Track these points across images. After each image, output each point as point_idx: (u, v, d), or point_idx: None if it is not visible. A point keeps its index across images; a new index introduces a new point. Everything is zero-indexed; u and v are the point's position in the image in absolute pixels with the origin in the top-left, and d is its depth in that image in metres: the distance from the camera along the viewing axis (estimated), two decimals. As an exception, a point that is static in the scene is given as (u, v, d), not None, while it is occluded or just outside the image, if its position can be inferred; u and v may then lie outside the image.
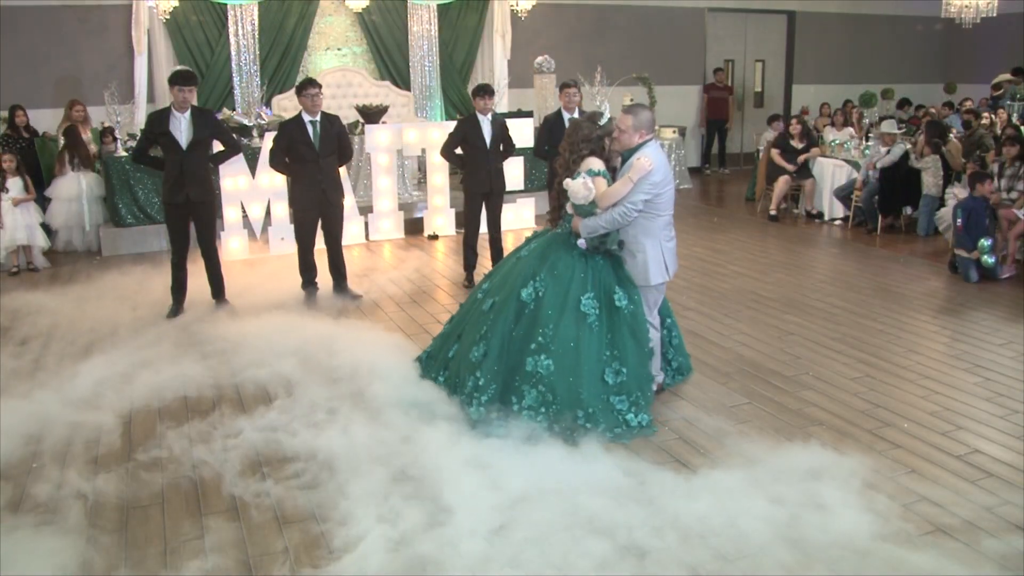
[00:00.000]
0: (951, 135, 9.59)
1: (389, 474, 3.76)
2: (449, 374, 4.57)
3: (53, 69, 10.05)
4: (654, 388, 4.59)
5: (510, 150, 7.12)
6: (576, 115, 6.94)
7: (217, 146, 6.57)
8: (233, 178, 8.07)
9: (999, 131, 9.80)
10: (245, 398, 4.73)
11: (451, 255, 8.22)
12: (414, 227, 9.16)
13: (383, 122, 9.58)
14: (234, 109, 10.33)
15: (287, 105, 10.39)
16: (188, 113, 6.03)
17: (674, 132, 12.41)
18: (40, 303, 6.58)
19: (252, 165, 8.18)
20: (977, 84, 14.20)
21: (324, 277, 6.75)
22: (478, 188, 6.91)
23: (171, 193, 6.05)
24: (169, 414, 4.55)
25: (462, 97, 11.82)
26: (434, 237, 8.99)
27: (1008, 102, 11.40)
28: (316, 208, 6.46)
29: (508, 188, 7.43)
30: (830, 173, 9.91)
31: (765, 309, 6.36)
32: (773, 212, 10.00)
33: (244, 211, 8.24)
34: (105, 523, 3.48)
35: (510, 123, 7.37)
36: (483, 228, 7.07)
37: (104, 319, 6.15)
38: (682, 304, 6.33)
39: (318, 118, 6.37)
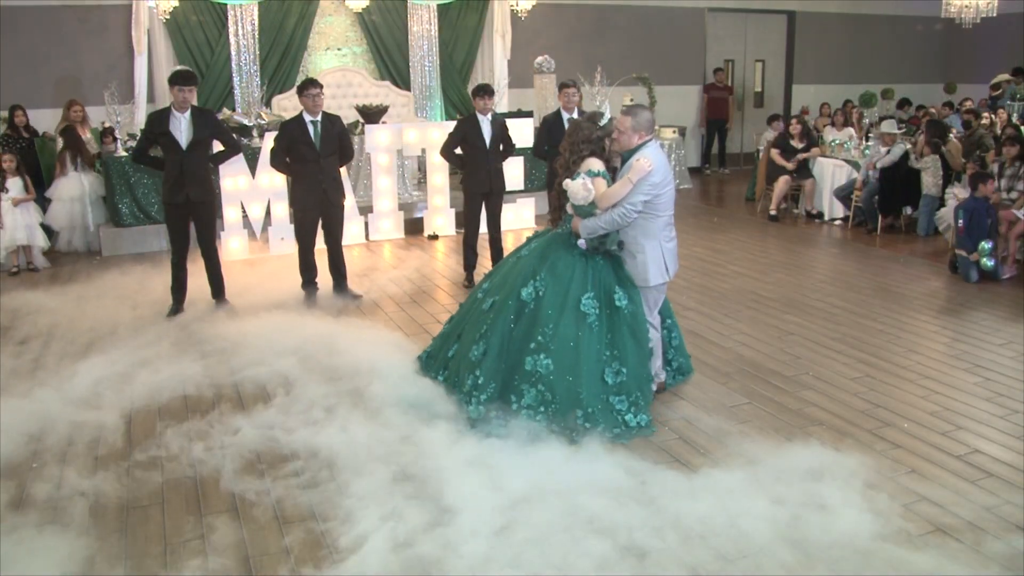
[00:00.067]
0: (951, 135, 9.59)
1: (389, 474, 3.76)
2: (449, 373, 4.57)
3: (53, 69, 10.05)
4: (655, 387, 4.60)
5: (510, 150, 7.12)
6: (575, 115, 6.94)
7: (217, 146, 6.57)
8: (233, 178, 8.07)
9: (999, 131, 9.80)
10: (245, 397, 4.73)
11: (451, 255, 8.22)
12: (414, 227, 9.16)
13: (383, 122, 9.58)
14: (234, 109, 10.34)
15: (287, 105, 10.39)
16: (188, 113, 6.03)
17: (674, 132, 12.41)
18: (40, 303, 6.58)
19: (252, 165, 8.18)
20: (977, 84, 14.20)
21: (324, 277, 6.75)
22: (478, 188, 6.91)
23: (171, 193, 6.05)
24: (169, 413, 4.55)
25: (462, 97, 11.82)
26: (434, 237, 8.99)
27: (1008, 102, 11.41)
28: (317, 208, 6.46)
29: (508, 188, 7.43)
30: (830, 173, 9.91)
31: (765, 309, 6.36)
32: (773, 212, 10.00)
33: (244, 211, 8.24)
34: (105, 523, 3.48)
35: (510, 123, 7.37)
36: (483, 228, 7.07)
37: (104, 319, 6.15)
38: (682, 304, 6.33)
39: (319, 118, 6.37)
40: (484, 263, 7.25)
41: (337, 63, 11.46)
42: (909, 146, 9.13)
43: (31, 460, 4.02)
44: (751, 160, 12.91)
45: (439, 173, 8.89)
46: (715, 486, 3.61)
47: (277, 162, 6.55)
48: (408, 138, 8.84)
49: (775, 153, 10.13)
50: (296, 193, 6.60)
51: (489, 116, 6.87)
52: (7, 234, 7.69)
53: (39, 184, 8.43)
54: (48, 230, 8.34)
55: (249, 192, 8.20)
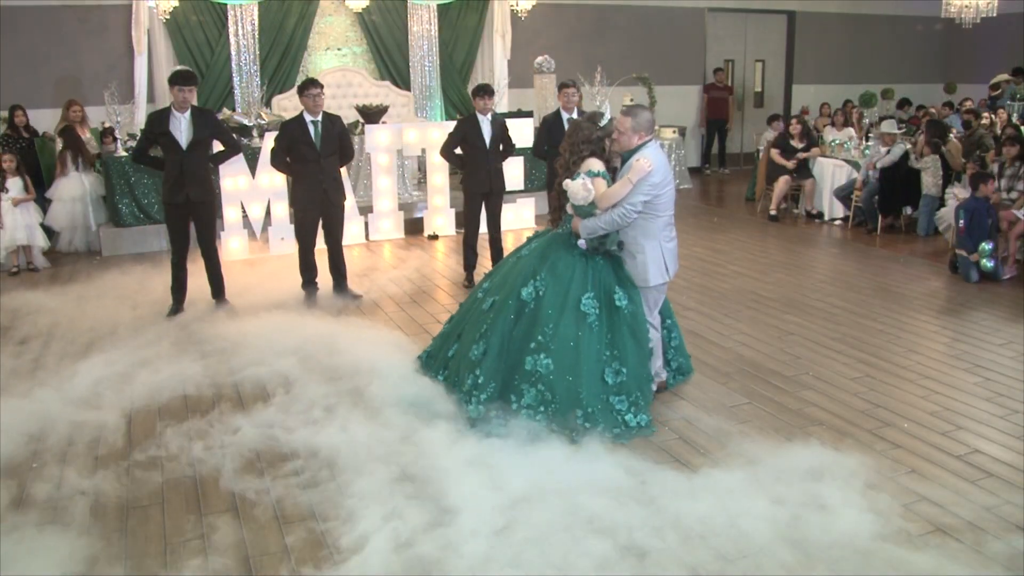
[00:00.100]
0: (951, 135, 9.59)
1: (390, 473, 3.76)
2: (449, 373, 4.57)
3: (53, 69, 10.05)
4: (656, 387, 4.60)
5: (510, 150, 7.12)
6: (575, 115, 6.94)
7: (217, 146, 6.58)
8: (233, 178, 8.08)
9: (999, 131, 9.80)
10: (245, 397, 4.73)
11: (451, 255, 8.22)
12: (414, 227, 9.16)
13: (383, 122, 9.58)
14: (234, 109, 10.33)
15: (287, 105, 10.39)
16: (188, 113, 6.03)
17: (674, 132, 12.41)
18: (40, 303, 6.58)
19: (252, 165, 8.18)
20: (977, 84, 14.21)
21: (324, 277, 6.75)
22: (478, 188, 6.91)
23: (171, 193, 6.05)
24: (169, 413, 4.55)
25: (462, 97, 11.82)
26: (434, 237, 9.00)
27: (1008, 102, 11.41)
28: (317, 208, 6.47)
29: (508, 188, 7.43)
30: (830, 173, 9.91)
31: (765, 309, 6.36)
32: (773, 212, 10.00)
33: (244, 211, 8.24)
34: (105, 523, 3.48)
35: (510, 123, 7.37)
36: (483, 228, 7.07)
37: (104, 318, 6.16)
38: (682, 304, 6.33)
39: (320, 118, 6.37)
40: (484, 263, 7.25)
41: (337, 63, 11.46)
42: (909, 146, 9.13)
43: (31, 460, 4.02)
44: (751, 160, 12.91)
45: (439, 173, 8.89)
46: (715, 486, 3.61)
47: (278, 162, 6.55)
48: (408, 138, 8.84)
49: (775, 153, 10.13)
50: (296, 193, 6.60)
51: (489, 116, 6.87)
52: (7, 234, 7.69)
53: (39, 184, 8.42)
54: (49, 231, 8.35)
55: (249, 192, 8.20)
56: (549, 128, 7.03)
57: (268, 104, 10.57)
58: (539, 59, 10.91)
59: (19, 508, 3.59)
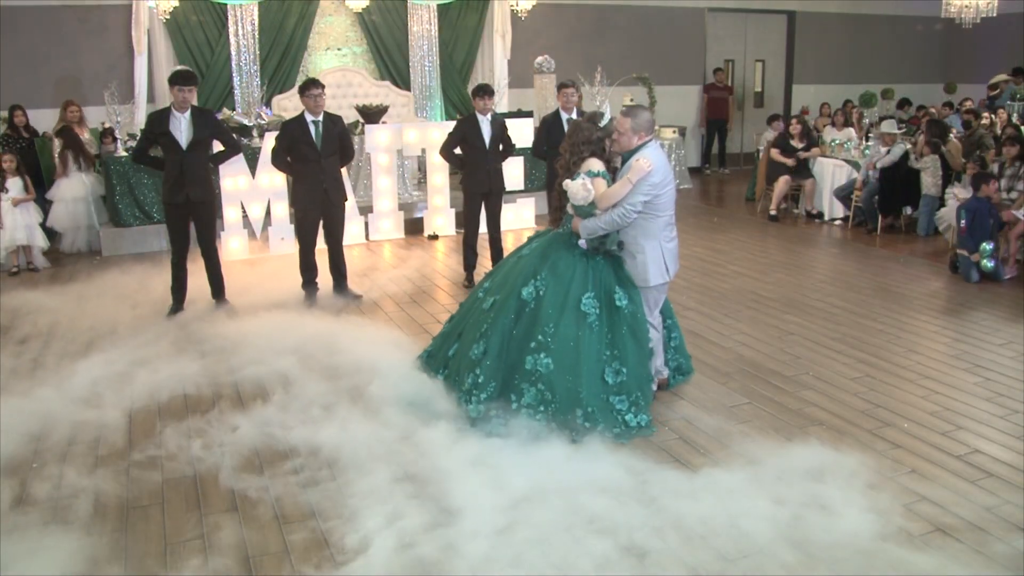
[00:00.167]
0: (951, 135, 9.59)
1: (390, 473, 3.76)
2: (449, 372, 4.57)
3: (53, 69, 10.05)
4: (657, 384, 4.61)
5: (510, 150, 7.12)
6: (574, 115, 6.94)
7: (217, 146, 6.58)
8: (233, 178, 8.08)
9: (999, 131, 9.80)
10: (244, 396, 4.73)
11: (451, 255, 8.22)
12: (414, 227, 9.16)
13: (383, 122, 9.58)
14: (234, 109, 10.33)
15: (287, 105, 10.40)
16: (188, 113, 6.03)
17: (674, 132, 12.41)
18: (40, 302, 6.58)
19: (252, 165, 8.18)
20: (977, 84, 14.21)
21: (324, 277, 6.75)
22: (477, 188, 6.91)
23: (171, 193, 6.05)
24: (169, 412, 4.55)
25: (462, 97, 11.82)
26: (434, 237, 9.00)
27: (1008, 102, 11.41)
28: (318, 208, 6.47)
29: (508, 188, 7.43)
30: (830, 173, 9.91)
31: (765, 309, 6.36)
32: (773, 212, 10.00)
33: (244, 211, 8.24)
34: (106, 522, 3.48)
35: (510, 123, 7.37)
36: (483, 228, 7.07)
37: (104, 318, 6.16)
38: (682, 304, 6.33)
39: (320, 118, 6.37)
40: (484, 263, 7.25)
41: (337, 63, 11.46)
42: (909, 146, 9.13)
43: (31, 460, 4.02)
44: (751, 160, 12.91)
45: (439, 173, 8.89)
46: (716, 486, 3.61)
47: (278, 162, 6.55)
48: (408, 138, 8.84)
49: (775, 152, 10.13)
50: (297, 193, 6.60)
51: (489, 116, 6.87)
52: (7, 234, 7.69)
53: (39, 184, 8.42)
54: (52, 231, 8.36)
55: (249, 192, 8.20)
56: (548, 128, 7.03)
57: (268, 104, 10.57)
58: (539, 59, 10.91)
59: (20, 508, 3.58)
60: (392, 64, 11.64)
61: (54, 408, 4.54)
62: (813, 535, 3.24)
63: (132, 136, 8.65)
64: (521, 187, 9.36)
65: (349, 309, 6.39)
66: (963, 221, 7.16)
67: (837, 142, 10.44)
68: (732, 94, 14.03)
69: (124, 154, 8.49)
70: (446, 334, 4.84)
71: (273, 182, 8.21)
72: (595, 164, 4.35)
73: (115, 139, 8.74)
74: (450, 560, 3.11)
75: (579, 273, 4.29)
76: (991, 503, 3.53)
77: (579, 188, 4.24)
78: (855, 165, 9.60)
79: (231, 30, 10.59)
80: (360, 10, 11.22)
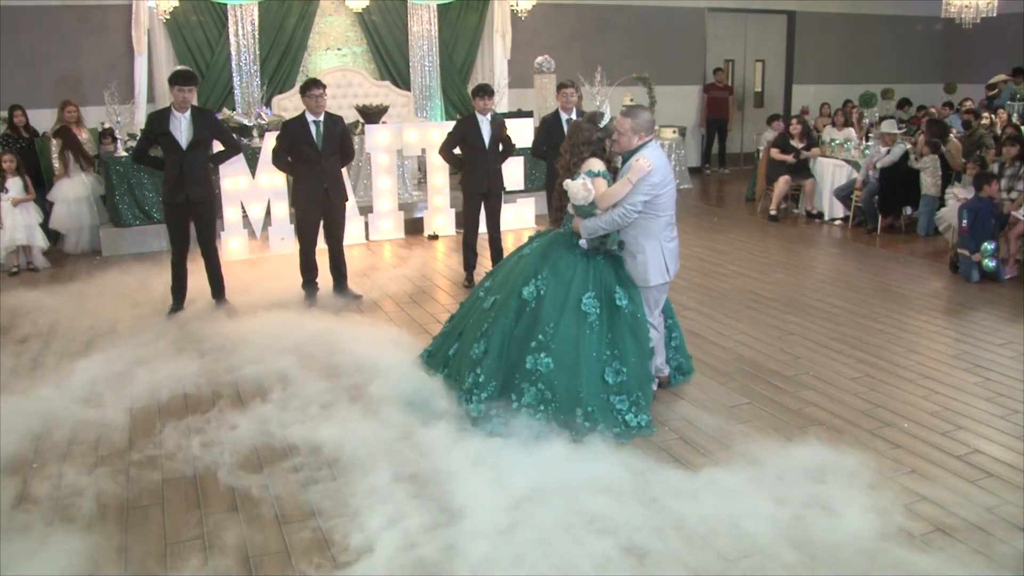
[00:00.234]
0: (951, 135, 9.59)
1: (391, 472, 3.76)
2: (450, 371, 4.58)
3: (53, 69, 10.05)
4: (658, 382, 4.63)
5: (510, 150, 7.11)
6: (574, 116, 6.94)
7: (217, 146, 6.58)
8: (233, 178, 8.07)
9: (999, 131, 9.80)
10: (244, 395, 4.73)
11: (451, 255, 8.22)
12: (414, 227, 9.16)
13: (383, 122, 9.58)
14: (234, 109, 10.33)
15: (287, 105, 10.40)
16: (188, 113, 6.03)
17: (674, 132, 12.40)
18: (40, 302, 6.58)
19: (252, 165, 8.18)
20: (977, 84, 14.20)
21: (324, 277, 6.75)
22: (477, 188, 6.91)
23: (171, 193, 6.05)
24: (169, 412, 4.55)
25: (462, 97, 11.81)
26: (434, 237, 9.00)
27: (1008, 102, 11.41)
28: (319, 208, 6.47)
29: (508, 188, 7.42)
30: (830, 173, 9.91)
31: (765, 309, 6.36)
32: (773, 212, 10.00)
33: (244, 211, 8.24)
34: (106, 522, 3.48)
35: (510, 123, 7.37)
36: (482, 228, 7.07)
37: (104, 318, 6.16)
38: (682, 304, 6.33)
39: (321, 118, 6.37)
40: (484, 263, 7.25)
41: (337, 63, 11.46)
42: (909, 146, 9.13)
43: (32, 459, 4.02)
44: (751, 160, 12.91)
45: (439, 173, 8.89)
46: (716, 486, 3.61)
47: (279, 161, 6.55)
48: (408, 138, 8.84)
49: (775, 152, 10.12)
50: (298, 193, 6.60)
51: (489, 116, 6.87)
52: (7, 234, 7.69)
53: (39, 184, 8.42)
54: (55, 233, 8.36)
55: (249, 192, 8.20)
56: (548, 128, 7.03)
57: (268, 104, 10.57)
58: (539, 59, 10.91)
59: (20, 508, 3.58)
60: (392, 64, 11.64)
61: (54, 407, 4.54)
62: (814, 535, 3.24)
63: (132, 136, 8.65)
64: (521, 187, 9.36)
65: (349, 309, 6.40)
66: (965, 221, 7.15)
67: (837, 142, 10.44)
68: (732, 94, 14.03)
69: (124, 154, 8.49)
70: (446, 333, 4.85)
71: (273, 182, 8.21)
72: (596, 164, 4.35)
73: (115, 139, 8.74)
74: (451, 560, 3.11)
75: (580, 273, 4.29)
76: (991, 503, 3.53)
77: (579, 188, 4.25)
78: (855, 165, 9.60)
79: (231, 30, 10.59)
80: (360, 10, 11.21)
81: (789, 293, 6.80)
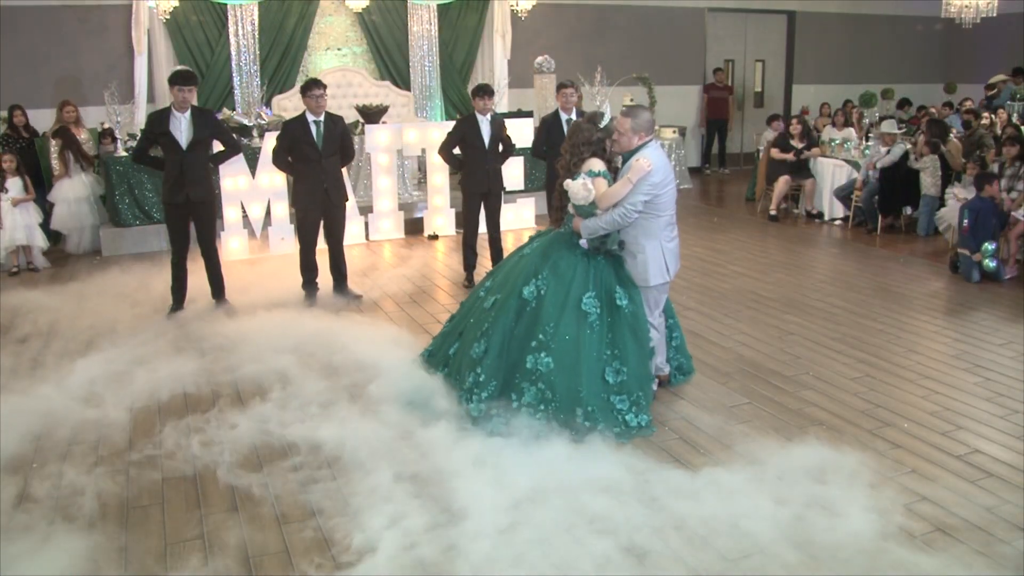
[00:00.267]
0: (951, 135, 9.59)
1: (391, 472, 3.76)
2: (450, 371, 4.58)
3: (53, 69, 10.05)
4: (658, 381, 4.63)
5: (510, 150, 7.11)
6: (574, 116, 6.94)
7: (217, 146, 6.57)
8: (233, 178, 8.07)
9: (999, 131, 9.80)
10: (244, 395, 4.73)
11: (451, 255, 8.22)
12: (414, 227, 9.16)
13: (383, 122, 9.58)
14: (234, 109, 10.33)
15: (287, 105, 10.40)
16: (188, 113, 6.02)
17: (674, 132, 12.40)
18: (40, 302, 6.58)
19: (252, 165, 8.18)
20: (977, 84, 14.19)
21: (324, 277, 6.75)
22: (476, 188, 6.91)
23: (171, 193, 6.05)
24: (169, 411, 4.55)
25: (462, 97, 11.81)
26: (434, 237, 8.99)
27: (1008, 102, 11.41)
28: (319, 208, 6.47)
29: (508, 188, 7.42)
30: (830, 173, 9.91)
31: (765, 309, 6.36)
32: (773, 212, 10.00)
33: (244, 211, 8.24)
34: (106, 522, 3.48)
35: (510, 123, 7.36)
36: (482, 228, 7.07)
37: (104, 317, 6.16)
38: (682, 304, 6.33)
39: (322, 118, 6.37)
40: (484, 263, 7.25)
41: (337, 63, 11.46)
42: (909, 146, 9.13)
43: (32, 459, 4.02)
44: (751, 160, 12.91)
45: (439, 173, 8.89)
46: (716, 486, 3.61)
47: (279, 161, 6.55)
48: (408, 138, 8.84)
49: (775, 151, 10.12)
50: (298, 193, 6.60)
51: (488, 116, 6.87)
52: (7, 234, 7.69)
53: (39, 184, 8.41)
54: (56, 233, 8.35)
55: (249, 192, 8.20)
56: (548, 128, 7.03)
57: (268, 104, 10.57)
58: (539, 59, 10.91)
59: (20, 508, 3.58)
60: (392, 64, 11.63)
61: (54, 407, 4.54)
62: (815, 535, 3.24)
63: (132, 136, 8.64)
64: (521, 187, 9.36)
65: (349, 309, 6.40)
66: (966, 220, 7.15)
67: (837, 142, 10.44)
68: (732, 94, 14.03)
69: (124, 154, 8.49)
70: (447, 333, 4.85)
71: (273, 182, 8.21)
72: (596, 164, 4.36)
73: (114, 139, 8.73)
74: (451, 561, 3.11)
75: (580, 273, 4.29)
76: (991, 503, 3.53)
77: (580, 188, 4.25)
78: (855, 165, 9.60)
79: (231, 30, 10.58)
80: (360, 10, 11.21)
81: (789, 293, 6.79)
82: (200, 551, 3.26)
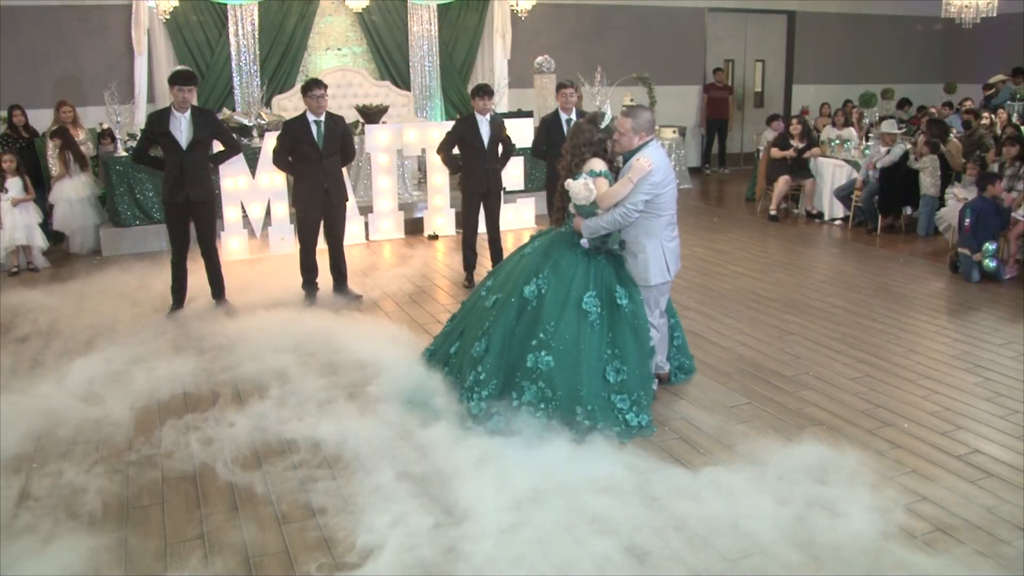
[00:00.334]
0: (951, 135, 9.59)
1: (392, 471, 3.76)
2: (451, 369, 4.58)
3: (53, 69, 10.04)
4: (659, 379, 4.63)
5: (510, 151, 7.10)
6: (573, 116, 6.94)
7: (217, 146, 6.57)
8: (233, 178, 8.07)
9: (999, 131, 9.80)
10: (244, 394, 4.72)
11: (451, 255, 8.22)
12: (414, 227, 9.16)
13: (383, 122, 9.58)
14: (234, 109, 10.33)
15: (287, 105, 10.40)
16: (188, 113, 6.02)
17: (674, 132, 12.40)
18: (40, 301, 6.58)
19: (252, 165, 8.18)
20: (977, 84, 14.18)
21: (324, 277, 6.75)
22: (475, 188, 6.91)
23: (171, 193, 6.05)
24: (169, 411, 4.55)
25: (462, 97, 11.81)
26: (434, 237, 8.99)
27: (1008, 102, 11.40)
28: (319, 208, 6.47)
29: (508, 188, 7.41)
30: (830, 173, 9.91)
31: (765, 309, 6.36)
32: (773, 212, 10.00)
33: (244, 211, 8.24)
34: (106, 522, 3.48)
35: (510, 123, 7.36)
36: (482, 228, 7.07)
37: (104, 317, 6.16)
38: (682, 304, 6.32)
39: (322, 118, 6.37)
40: (484, 263, 7.25)
41: (337, 63, 11.46)
42: (909, 146, 9.13)
43: (32, 459, 4.02)
44: (751, 160, 12.92)
45: (439, 173, 8.88)
46: (717, 486, 3.61)
47: (280, 161, 6.55)
48: (408, 138, 8.83)
49: (775, 151, 10.12)
50: (298, 193, 6.60)
51: (488, 116, 6.86)
52: (7, 234, 7.68)
53: (39, 184, 8.41)
54: (58, 233, 8.34)
55: (249, 192, 8.19)
56: (548, 129, 7.03)
57: (268, 104, 10.57)
58: (539, 59, 10.91)
59: (20, 508, 3.58)
60: (392, 64, 11.63)
61: (54, 406, 4.53)
62: (816, 535, 3.24)
63: (132, 136, 8.64)
64: (521, 187, 9.36)
65: (349, 308, 6.39)
66: (968, 220, 7.15)
67: (837, 142, 10.44)
68: (732, 94, 14.03)
69: (124, 154, 8.49)
70: (448, 332, 4.86)
71: (273, 182, 8.21)
72: (597, 164, 4.36)
73: (114, 139, 8.73)
74: (452, 561, 3.11)
75: (581, 272, 4.30)
76: (992, 503, 3.53)
77: (581, 188, 4.25)
78: (855, 165, 9.60)
79: (231, 30, 10.58)
80: (360, 10, 11.21)
81: (789, 293, 6.80)
82: (200, 551, 3.26)
